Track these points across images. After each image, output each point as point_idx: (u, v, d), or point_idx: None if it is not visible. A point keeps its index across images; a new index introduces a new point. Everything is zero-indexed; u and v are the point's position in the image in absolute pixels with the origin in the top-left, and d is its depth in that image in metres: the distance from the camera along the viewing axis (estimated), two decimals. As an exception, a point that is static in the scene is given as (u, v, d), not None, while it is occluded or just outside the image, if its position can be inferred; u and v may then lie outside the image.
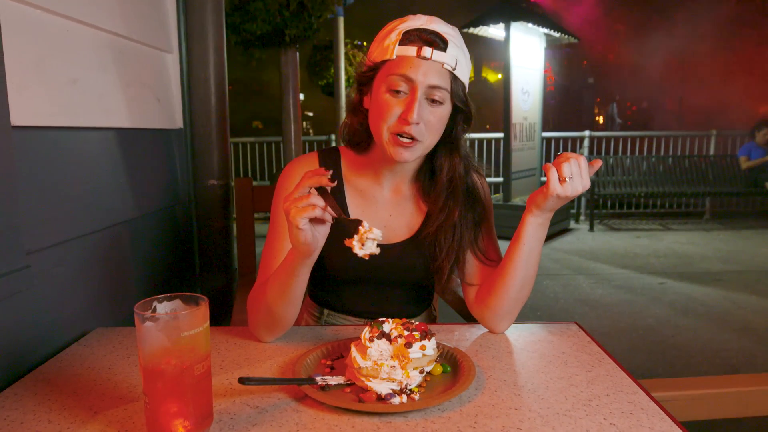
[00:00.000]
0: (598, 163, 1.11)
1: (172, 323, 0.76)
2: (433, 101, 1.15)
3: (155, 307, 0.80)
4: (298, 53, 4.23)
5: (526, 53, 7.08)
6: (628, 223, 7.65)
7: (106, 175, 1.48)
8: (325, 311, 1.39)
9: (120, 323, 1.50)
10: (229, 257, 2.09)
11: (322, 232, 1.01)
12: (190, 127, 1.97)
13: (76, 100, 1.35)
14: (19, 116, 1.10)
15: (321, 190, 0.98)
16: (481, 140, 8.34)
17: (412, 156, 1.17)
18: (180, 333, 0.76)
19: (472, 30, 7.25)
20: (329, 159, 1.33)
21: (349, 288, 1.35)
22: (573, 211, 7.82)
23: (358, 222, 0.97)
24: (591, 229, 7.25)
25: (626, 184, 7.67)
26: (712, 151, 8.20)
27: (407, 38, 1.15)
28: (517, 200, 6.85)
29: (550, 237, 6.64)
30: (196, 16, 1.92)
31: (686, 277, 4.99)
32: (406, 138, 1.14)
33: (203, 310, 0.80)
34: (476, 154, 8.31)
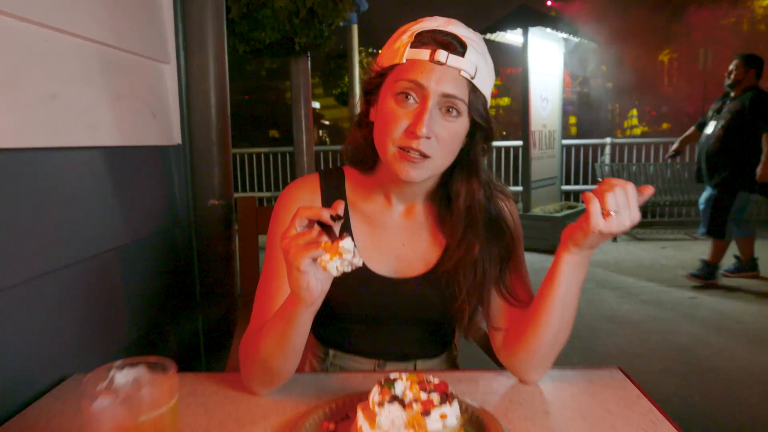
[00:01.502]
0: (650, 191, 0.93)
1: (131, 405, 0.61)
2: (447, 113, 1.00)
3: (113, 376, 0.65)
4: (309, 61, 4.11)
5: (545, 59, 6.90)
6: (653, 233, 7.40)
7: (91, 199, 1.34)
8: (331, 352, 1.23)
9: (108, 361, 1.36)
10: (232, 283, 1.94)
11: (327, 275, 0.85)
12: (189, 142, 1.83)
13: (55, 117, 1.21)
14: (-19, 138, 0.97)
15: (325, 226, 0.83)
16: (498, 148, 8.16)
17: (420, 175, 1.01)
18: (137, 417, 0.60)
19: (489, 36, 7.09)
20: (332, 181, 1.17)
21: (357, 327, 1.19)
22: (595, 220, 7.58)
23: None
24: (614, 239, 7.01)
25: (650, 193, 7.42)
26: (739, 157, 7.92)
27: (420, 40, 1.00)
28: (537, 210, 6.64)
29: (571, 248, 6.41)
30: (195, 23, 1.78)
31: (718, 290, 4.75)
32: (414, 153, 0.98)
33: (170, 381, 0.65)
34: (494, 164, 8.15)
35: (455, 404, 0.82)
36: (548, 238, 6.06)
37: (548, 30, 6.77)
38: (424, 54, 0.99)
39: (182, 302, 1.82)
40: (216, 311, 1.91)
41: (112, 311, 1.42)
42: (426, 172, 1.02)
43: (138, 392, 0.62)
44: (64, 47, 1.25)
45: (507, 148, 8.11)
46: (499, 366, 1.15)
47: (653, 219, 7.89)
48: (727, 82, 4.72)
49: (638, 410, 0.96)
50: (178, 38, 1.79)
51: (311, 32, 3.26)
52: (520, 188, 7.02)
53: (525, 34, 6.51)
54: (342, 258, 0.79)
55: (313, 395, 1.02)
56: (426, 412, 0.79)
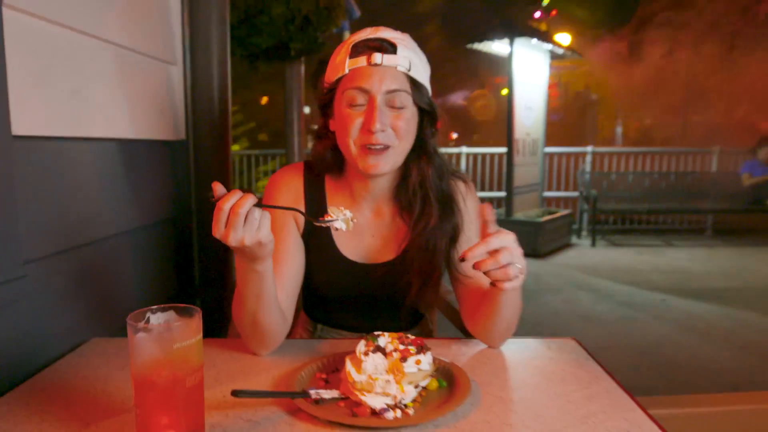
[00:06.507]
0: (488, 211, 1.01)
1: (165, 335, 0.76)
2: (394, 106, 1.15)
3: (148, 317, 0.80)
4: (303, 67, 4.26)
5: (530, 69, 7.11)
6: (630, 239, 7.63)
7: (106, 186, 1.48)
8: (318, 326, 1.39)
9: (116, 334, 1.50)
10: (229, 270, 2.08)
11: (261, 231, 0.93)
12: (193, 138, 1.97)
13: (78, 110, 1.36)
14: (20, 126, 1.11)
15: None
16: (483, 155, 8.37)
17: (386, 164, 1.16)
18: (173, 344, 0.76)
19: (476, 46, 7.30)
20: (314, 172, 1.33)
21: (339, 305, 1.35)
22: (575, 226, 7.81)
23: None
24: (593, 244, 7.23)
25: (628, 200, 7.67)
26: (714, 168, 8.20)
27: (356, 50, 1.16)
28: (519, 215, 6.84)
29: (551, 252, 6.63)
30: (201, 29, 1.93)
31: (688, 294, 4.96)
32: (376, 146, 1.13)
33: (196, 321, 0.80)
34: (479, 169, 8.37)
35: (429, 354, 0.98)
36: (530, 242, 6.26)
37: (533, 41, 6.99)
38: (361, 61, 1.14)
39: (182, 286, 1.97)
40: (213, 296, 2.05)
41: (120, 288, 1.56)
42: (390, 160, 1.16)
43: (172, 326, 0.77)
44: (86, 48, 1.40)
45: (492, 155, 8.31)
46: (468, 336, 1.31)
47: (631, 226, 8.14)
48: None
49: (585, 368, 1.13)
50: (185, 42, 1.94)
51: (306, 38, 3.41)
52: (503, 194, 7.22)
53: (511, 44, 6.71)
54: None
55: (306, 355, 1.17)
56: (404, 359, 0.95)
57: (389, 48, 1.15)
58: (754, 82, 13.28)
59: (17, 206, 1.09)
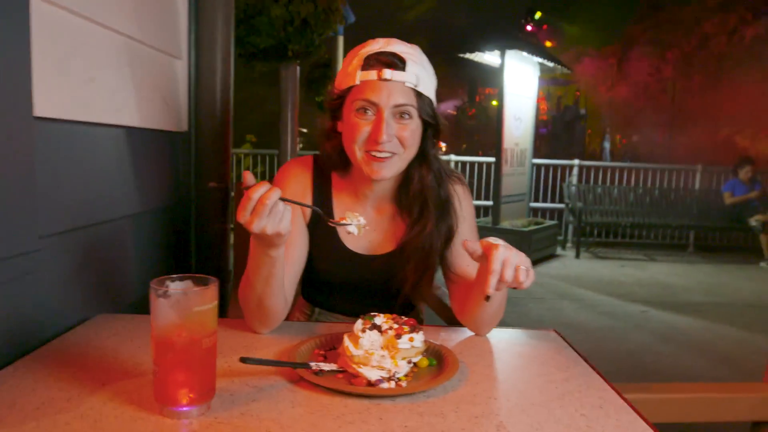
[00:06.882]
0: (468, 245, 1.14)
1: (184, 299, 0.83)
2: (401, 117, 1.22)
3: (168, 285, 0.87)
4: (299, 68, 4.34)
5: (520, 81, 7.25)
6: (614, 252, 7.77)
7: (114, 170, 1.55)
8: (317, 310, 1.46)
9: (120, 311, 1.55)
10: (225, 259, 2.14)
11: (282, 222, 1.01)
12: (195, 130, 2.04)
13: (92, 97, 1.42)
14: (41, 108, 1.17)
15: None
16: (472, 164, 8.48)
17: (390, 171, 1.24)
18: (191, 308, 0.83)
19: (468, 55, 7.43)
20: (322, 167, 1.40)
21: (338, 291, 1.43)
22: (560, 238, 7.94)
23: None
24: (577, 256, 7.35)
25: (613, 214, 7.81)
26: (697, 186, 8.37)
27: (368, 63, 1.22)
28: (505, 224, 6.96)
29: (536, 262, 6.74)
30: (207, 26, 2.00)
31: (668, 306, 5.08)
32: (381, 154, 1.21)
33: (212, 289, 0.87)
34: (468, 178, 8.46)
35: (420, 333, 1.06)
36: (515, 250, 6.36)
37: (524, 54, 7.13)
38: (372, 75, 1.21)
39: (179, 272, 2.02)
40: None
41: (124, 269, 1.62)
42: (394, 167, 1.25)
43: (190, 291, 0.84)
44: (101, 38, 1.46)
45: (480, 164, 8.42)
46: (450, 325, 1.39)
47: (615, 239, 8.28)
48: None
49: (564, 355, 1.21)
50: (191, 38, 2.01)
51: (303, 41, 3.49)
52: (490, 203, 7.33)
53: (502, 56, 6.84)
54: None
55: (305, 335, 1.24)
56: (398, 336, 1.02)
57: (398, 64, 1.21)
58: (738, 103, 13.58)
59: (35, 183, 1.15)
